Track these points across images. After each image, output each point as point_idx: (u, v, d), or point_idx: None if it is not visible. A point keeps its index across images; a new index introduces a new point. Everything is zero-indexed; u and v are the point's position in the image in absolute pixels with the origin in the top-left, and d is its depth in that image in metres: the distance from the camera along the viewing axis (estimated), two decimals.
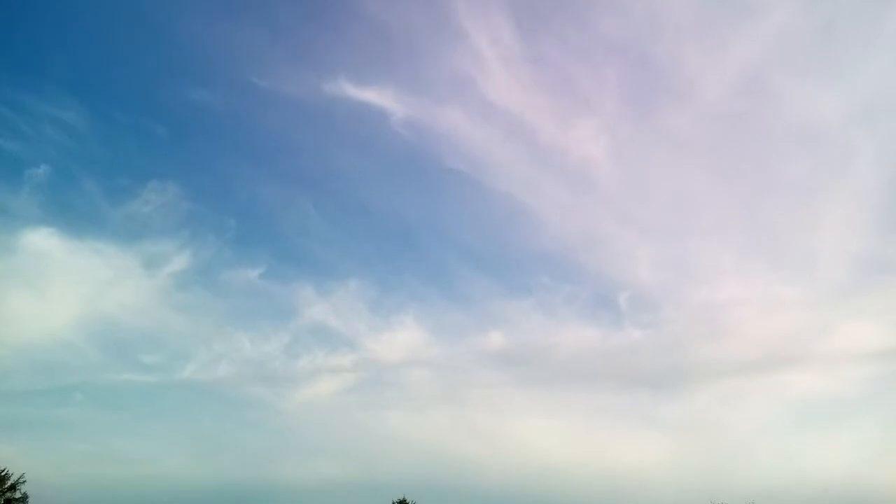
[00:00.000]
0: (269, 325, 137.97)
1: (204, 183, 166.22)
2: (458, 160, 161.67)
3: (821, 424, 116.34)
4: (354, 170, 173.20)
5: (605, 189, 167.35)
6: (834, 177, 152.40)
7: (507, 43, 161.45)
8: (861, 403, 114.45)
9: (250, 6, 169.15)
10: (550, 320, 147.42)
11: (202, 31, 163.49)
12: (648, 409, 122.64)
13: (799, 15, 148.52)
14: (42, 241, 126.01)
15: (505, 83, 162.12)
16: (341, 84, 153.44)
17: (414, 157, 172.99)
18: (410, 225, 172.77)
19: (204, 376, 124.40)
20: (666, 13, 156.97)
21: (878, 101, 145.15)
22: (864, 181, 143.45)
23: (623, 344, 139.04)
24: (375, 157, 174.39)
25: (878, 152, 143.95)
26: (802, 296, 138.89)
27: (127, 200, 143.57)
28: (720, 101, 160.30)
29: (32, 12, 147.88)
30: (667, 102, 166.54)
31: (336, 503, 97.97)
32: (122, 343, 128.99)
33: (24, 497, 56.29)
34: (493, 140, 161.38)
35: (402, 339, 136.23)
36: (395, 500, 64.32)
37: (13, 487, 56.09)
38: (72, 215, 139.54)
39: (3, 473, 56.01)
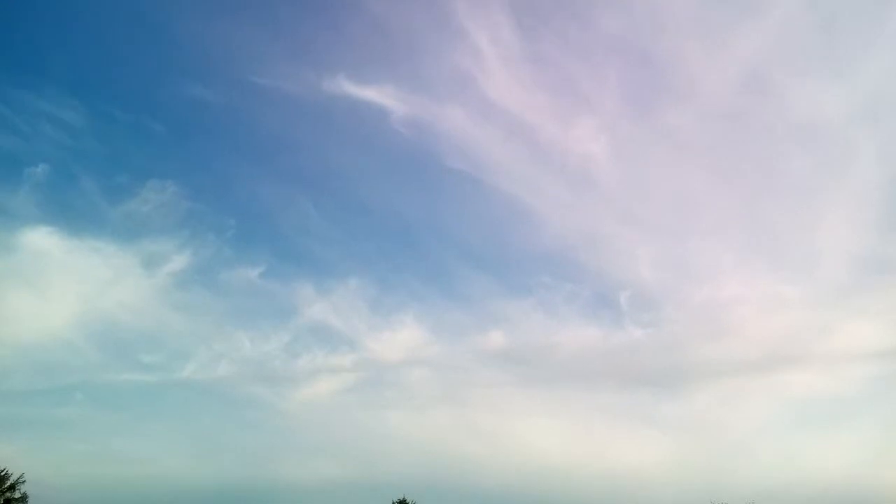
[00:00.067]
0: (269, 324, 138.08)
1: (203, 182, 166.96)
2: (459, 159, 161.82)
3: (821, 424, 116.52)
4: (354, 168, 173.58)
5: (606, 188, 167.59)
6: (835, 176, 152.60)
7: (508, 41, 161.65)
8: (861, 403, 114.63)
9: (249, 4, 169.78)
10: (551, 320, 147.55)
11: (201, 30, 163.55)
12: (649, 408, 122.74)
13: (800, 13, 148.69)
14: (41, 241, 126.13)
15: (505, 82, 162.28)
16: (341, 82, 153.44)
17: (414, 156, 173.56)
18: (410, 224, 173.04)
19: (204, 376, 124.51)
20: (667, 11, 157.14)
21: (879, 99, 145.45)
22: (865, 180, 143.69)
23: (624, 343, 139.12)
24: (375, 156, 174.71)
25: (880, 151, 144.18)
26: (803, 295, 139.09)
27: (126, 199, 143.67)
28: (721, 100, 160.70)
29: (31, 11, 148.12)
30: (667, 101, 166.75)
31: (336, 503, 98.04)
32: (122, 342, 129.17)
33: (24, 497, 56.26)
34: (494, 139, 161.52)
35: (402, 338, 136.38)
36: (395, 500, 64.36)
37: (13, 487, 56.05)
38: (71, 214, 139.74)
39: (2, 473, 55.97)
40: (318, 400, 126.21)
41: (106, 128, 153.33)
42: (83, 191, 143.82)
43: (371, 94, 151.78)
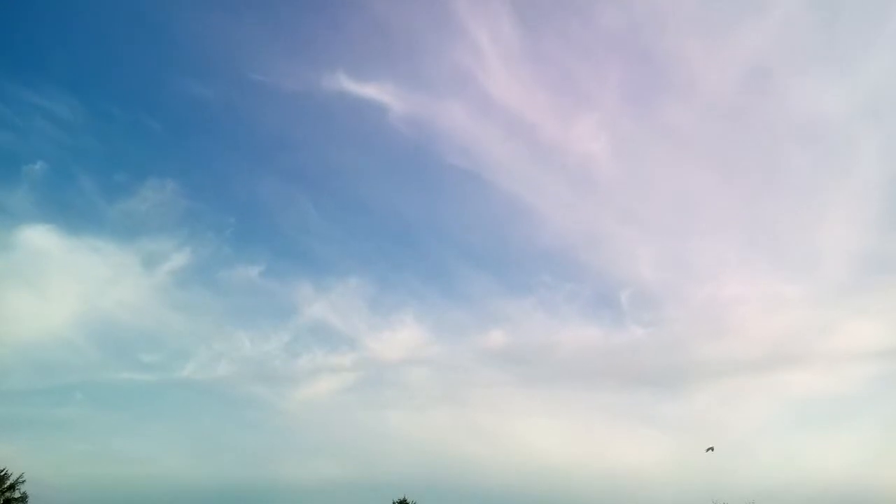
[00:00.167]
0: (269, 323, 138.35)
1: (202, 180, 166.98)
2: (459, 157, 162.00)
3: (821, 424, 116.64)
4: (354, 166, 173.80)
5: (607, 186, 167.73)
6: (836, 174, 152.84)
7: (508, 39, 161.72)
8: (862, 402, 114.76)
9: (249, 1, 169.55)
10: (551, 319, 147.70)
11: (200, 27, 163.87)
12: (649, 408, 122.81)
13: (801, 10, 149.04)
14: (40, 239, 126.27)
15: (505, 79, 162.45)
16: (341, 80, 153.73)
17: (414, 154, 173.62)
18: (410, 222, 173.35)
19: (203, 375, 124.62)
20: (668, 9, 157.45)
21: (880, 97, 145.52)
22: (866, 178, 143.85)
23: (624, 343, 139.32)
24: (375, 154, 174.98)
25: (882, 148, 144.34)
26: (804, 295, 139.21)
27: (125, 198, 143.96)
28: (722, 98, 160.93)
29: (28, 8, 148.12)
30: (668, 99, 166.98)
31: (336, 503, 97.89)
32: (122, 342, 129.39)
33: (24, 497, 56.21)
34: (494, 137, 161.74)
35: (402, 337, 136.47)
36: (395, 500, 64.34)
37: (13, 487, 55.97)
38: (69, 212, 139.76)
39: (2, 473, 55.90)
40: (318, 399, 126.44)
41: (104, 125, 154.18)
42: (81, 189, 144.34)
43: (371, 91, 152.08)
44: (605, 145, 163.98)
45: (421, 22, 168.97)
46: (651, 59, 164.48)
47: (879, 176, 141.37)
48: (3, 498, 55.35)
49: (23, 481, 56.26)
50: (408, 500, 64.36)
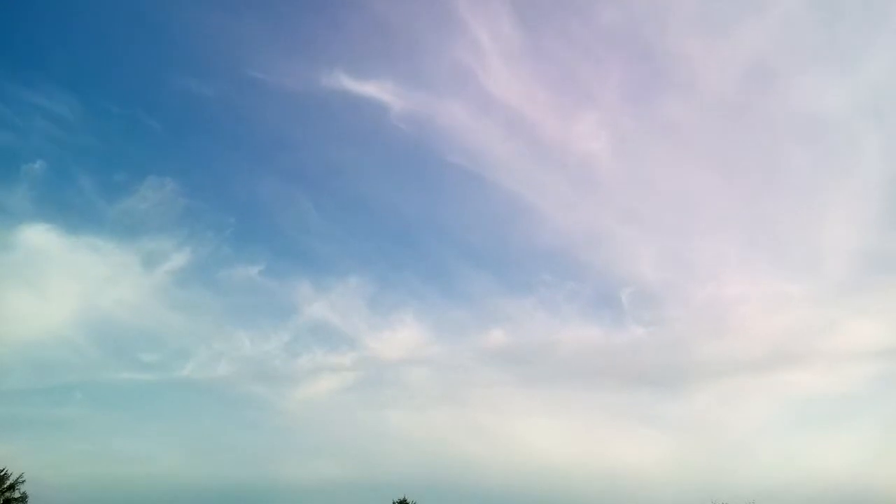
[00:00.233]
0: (269, 323, 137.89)
1: (202, 179, 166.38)
2: (459, 155, 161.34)
3: (823, 423, 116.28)
4: (353, 165, 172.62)
5: (607, 184, 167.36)
6: (838, 172, 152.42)
7: (508, 36, 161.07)
8: (864, 402, 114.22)
9: None
10: (552, 318, 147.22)
11: (198, 24, 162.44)
12: (650, 408, 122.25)
13: (803, 7, 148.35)
14: (39, 238, 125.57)
15: (506, 77, 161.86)
16: (340, 77, 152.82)
17: (413, 152, 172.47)
18: (410, 221, 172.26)
19: (203, 375, 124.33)
20: (669, 5, 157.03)
21: (883, 94, 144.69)
22: (868, 176, 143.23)
23: (625, 342, 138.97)
24: (375, 153, 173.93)
25: (883, 146, 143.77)
26: (806, 293, 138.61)
27: (124, 197, 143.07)
28: (723, 95, 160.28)
29: (25, 5, 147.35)
30: (669, 96, 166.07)
31: (336, 502, 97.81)
32: (121, 341, 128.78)
33: (24, 497, 56.13)
34: (494, 135, 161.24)
35: (402, 337, 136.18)
36: (395, 500, 64.24)
37: (12, 487, 55.91)
38: (68, 211, 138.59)
39: (2, 473, 55.81)
40: (318, 399, 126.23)
41: (103, 124, 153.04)
42: (81, 188, 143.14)
43: (370, 89, 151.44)
44: (605, 144, 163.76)
45: (421, 20, 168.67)
46: (651, 57, 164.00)
47: (881, 174, 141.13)
48: (2, 498, 55.31)
49: (23, 481, 56.21)
50: (408, 500, 64.33)
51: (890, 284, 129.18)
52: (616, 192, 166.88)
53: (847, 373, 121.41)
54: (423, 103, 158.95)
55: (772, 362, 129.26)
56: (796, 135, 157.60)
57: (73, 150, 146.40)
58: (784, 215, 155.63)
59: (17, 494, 55.90)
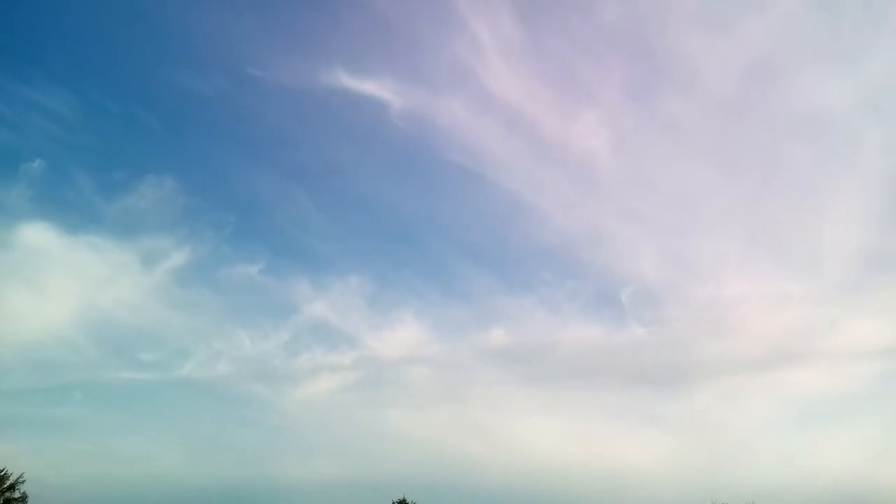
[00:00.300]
0: (269, 322, 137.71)
1: (201, 177, 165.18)
2: (458, 153, 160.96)
3: (824, 423, 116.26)
4: (353, 163, 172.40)
5: (608, 183, 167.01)
6: (839, 170, 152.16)
7: (509, 33, 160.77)
8: (865, 401, 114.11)
9: None
10: (552, 317, 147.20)
11: (196, 20, 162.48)
12: (650, 407, 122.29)
13: (804, 3, 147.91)
14: (38, 237, 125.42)
15: (506, 75, 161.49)
16: (339, 75, 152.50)
17: (413, 150, 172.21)
18: (410, 219, 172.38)
19: (203, 374, 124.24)
20: (669, 3, 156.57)
21: (884, 92, 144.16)
22: (869, 174, 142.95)
23: (626, 341, 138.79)
24: (374, 151, 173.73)
25: (885, 144, 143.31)
26: (807, 292, 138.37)
27: (123, 195, 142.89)
28: (724, 93, 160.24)
29: (22, 1, 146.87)
30: (670, 95, 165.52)
31: (336, 503, 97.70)
32: (121, 340, 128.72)
33: (24, 497, 56.06)
34: (494, 133, 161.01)
35: (402, 336, 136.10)
36: (395, 500, 64.14)
37: (12, 487, 55.82)
38: (67, 210, 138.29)
39: (2, 473, 55.73)
40: (318, 398, 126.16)
41: (100, 121, 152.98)
42: (80, 187, 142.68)
43: (370, 87, 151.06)
44: (605, 142, 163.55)
45: (421, 17, 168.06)
46: (652, 55, 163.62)
47: (882, 173, 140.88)
48: (2, 498, 55.23)
49: (23, 481, 56.12)
50: (408, 500, 64.25)
51: (891, 283, 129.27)
52: (616, 190, 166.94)
53: (848, 372, 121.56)
54: (422, 101, 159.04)
55: (772, 362, 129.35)
56: (797, 133, 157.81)
57: (72, 149, 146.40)
58: (785, 214, 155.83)
59: (17, 494, 55.82)
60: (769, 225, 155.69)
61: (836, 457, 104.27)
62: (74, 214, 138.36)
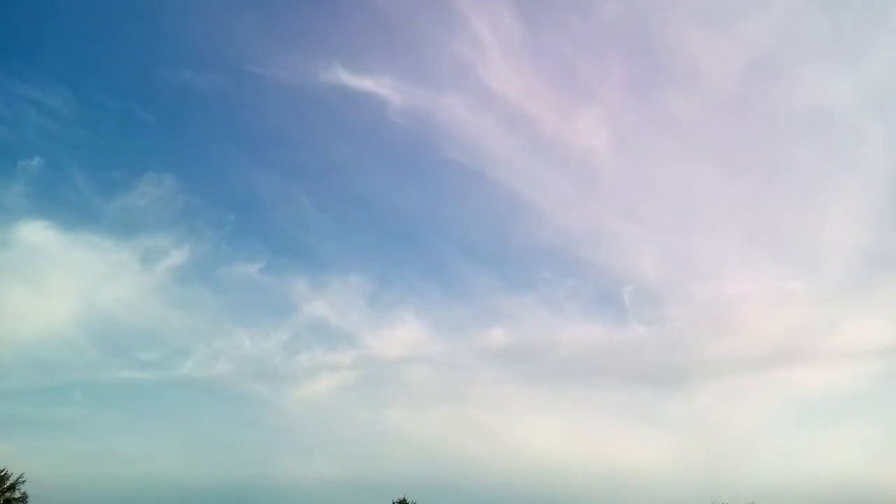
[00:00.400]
0: (269, 321, 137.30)
1: (199, 174, 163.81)
2: (458, 151, 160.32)
3: (825, 422, 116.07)
4: (352, 160, 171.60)
5: (608, 181, 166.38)
6: (841, 168, 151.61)
7: (509, 30, 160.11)
8: (867, 400, 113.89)
9: None
10: (553, 316, 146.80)
11: (194, 16, 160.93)
12: (651, 406, 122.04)
13: (806, 0, 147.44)
14: (36, 235, 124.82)
15: (506, 72, 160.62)
16: (338, 72, 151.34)
17: (413, 148, 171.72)
18: (409, 218, 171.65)
19: (203, 373, 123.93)
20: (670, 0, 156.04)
21: (887, 89, 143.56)
22: (871, 173, 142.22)
23: (627, 340, 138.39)
24: (374, 148, 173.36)
25: (888, 141, 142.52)
26: (808, 291, 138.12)
27: (121, 193, 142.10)
28: (725, 90, 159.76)
29: None
30: (671, 92, 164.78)
31: (336, 502, 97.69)
32: (120, 340, 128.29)
33: (24, 497, 55.96)
34: (494, 131, 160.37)
35: (402, 335, 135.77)
36: (395, 499, 64.11)
37: (12, 487, 55.73)
38: (66, 209, 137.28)
39: (2, 473, 55.64)
40: (318, 398, 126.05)
41: (97, 118, 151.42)
42: (78, 185, 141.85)
43: (369, 84, 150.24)
44: (606, 140, 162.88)
45: (420, 14, 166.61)
46: (653, 52, 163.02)
47: (884, 171, 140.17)
48: (2, 498, 55.15)
49: (23, 481, 55.98)
50: (408, 500, 64.21)
51: (892, 283, 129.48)
52: (617, 188, 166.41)
53: (849, 371, 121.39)
54: (422, 99, 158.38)
55: (773, 360, 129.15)
56: (798, 132, 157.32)
57: (70, 147, 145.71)
58: (785, 213, 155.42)
59: (17, 494, 55.73)
60: (770, 224, 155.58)
61: (836, 456, 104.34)
62: (73, 213, 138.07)
